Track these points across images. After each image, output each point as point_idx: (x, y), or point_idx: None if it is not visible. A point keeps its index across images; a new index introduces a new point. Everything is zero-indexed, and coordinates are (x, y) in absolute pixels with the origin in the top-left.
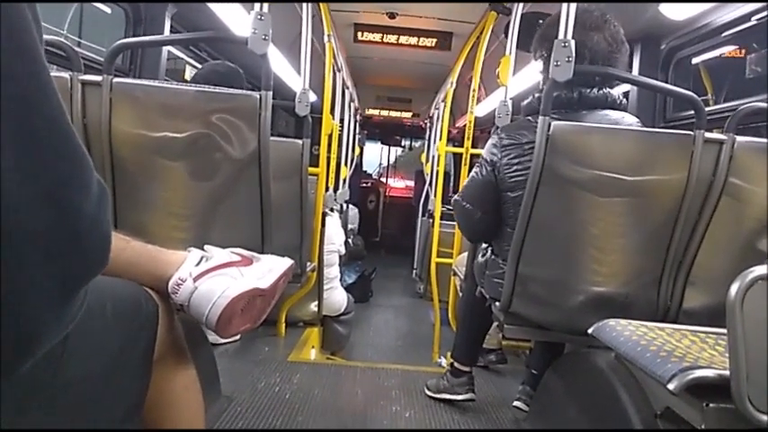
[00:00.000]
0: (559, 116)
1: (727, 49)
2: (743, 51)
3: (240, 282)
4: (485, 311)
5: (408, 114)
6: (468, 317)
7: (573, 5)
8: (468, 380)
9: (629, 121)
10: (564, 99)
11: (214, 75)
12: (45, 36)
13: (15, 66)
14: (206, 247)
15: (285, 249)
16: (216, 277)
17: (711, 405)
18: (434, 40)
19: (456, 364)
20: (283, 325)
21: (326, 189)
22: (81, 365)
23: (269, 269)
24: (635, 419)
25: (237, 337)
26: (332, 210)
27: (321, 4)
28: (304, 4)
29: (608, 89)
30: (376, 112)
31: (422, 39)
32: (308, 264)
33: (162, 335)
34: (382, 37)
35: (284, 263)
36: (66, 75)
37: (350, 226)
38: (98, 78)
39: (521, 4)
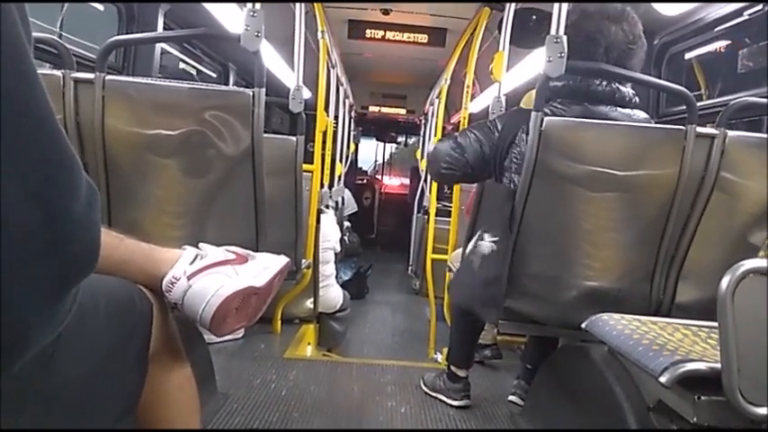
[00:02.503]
0: (563, 106)
1: (720, 44)
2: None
3: (235, 280)
4: None
5: (403, 111)
6: (461, 318)
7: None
8: (464, 386)
9: (638, 118)
10: (571, 89)
11: None
12: (37, 34)
13: (2, 66)
14: (201, 245)
15: (280, 246)
16: (210, 275)
17: (703, 398)
18: (428, 36)
19: (453, 368)
20: (279, 322)
21: (321, 186)
22: (74, 364)
23: (264, 267)
24: (628, 413)
25: (240, 334)
26: (327, 207)
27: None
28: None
29: (617, 85)
30: (371, 108)
31: (416, 35)
32: (304, 261)
33: (156, 333)
34: (376, 33)
35: (280, 261)
36: (58, 73)
37: (345, 221)
38: (90, 76)
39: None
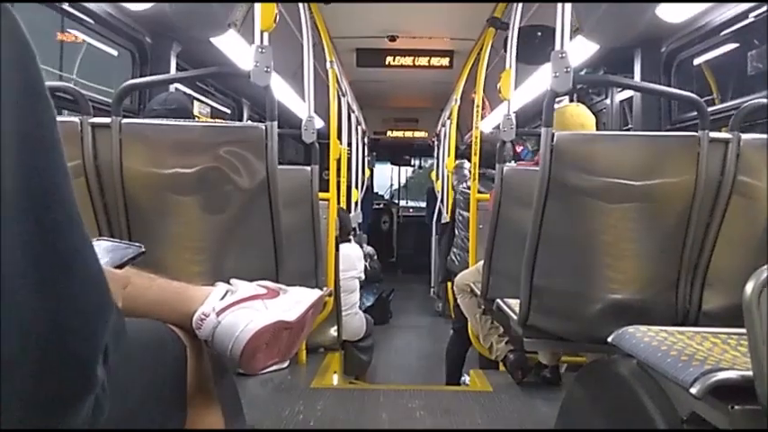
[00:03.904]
0: None
1: (728, 48)
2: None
3: (264, 314)
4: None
5: (416, 134)
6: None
7: (568, 15)
8: None
9: None
10: None
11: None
12: (53, 83)
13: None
14: (232, 280)
15: (300, 276)
16: (239, 311)
17: (737, 407)
18: (435, 59)
19: None
20: (304, 351)
21: (340, 212)
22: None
23: (296, 301)
24: (661, 426)
25: (285, 364)
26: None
27: (322, 33)
28: (305, 34)
29: None
30: (384, 133)
31: (423, 59)
32: (325, 289)
33: (190, 376)
34: (384, 60)
35: (313, 294)
36: (75, 119)
37: (366, 249)
38: (107, 120)
39: (518, 19)
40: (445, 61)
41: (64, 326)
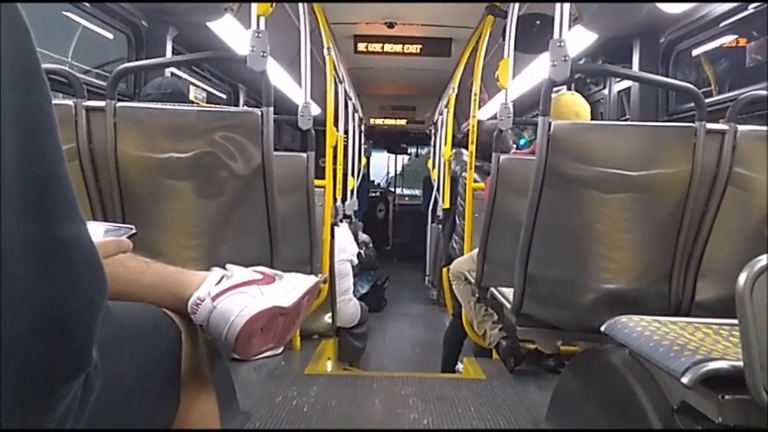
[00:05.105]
0: None
1: (727, 39)
2: (743, 40)
3: (259, 300)
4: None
5: (413, 122)
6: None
7: (566, 4)
8: None
9: None
10: None
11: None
12: (48, 65)
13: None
14: (228, 266)
15: (295, 263)
16: (234, 296)
17: (727, 397)
18: (433, 47)
19: None
20: (298, 338)
21: (334, 200)
22: (97, 400)
23: (293, 287)
24: (652, 415)
25: (280, 350)
26: (341, 220)
27: (319, 18)
28: (302, 19)
29: None
30: (381, 121)
31: (421, 46)
32: (320, 275)
33: (185, 361)
34: (382, 47)
35: (309, 280)
36: (70, 102)
37: (361, 236)
38: (101, 104)
39: (516, 7)
40: (443, 49)
41: (62, 307)
